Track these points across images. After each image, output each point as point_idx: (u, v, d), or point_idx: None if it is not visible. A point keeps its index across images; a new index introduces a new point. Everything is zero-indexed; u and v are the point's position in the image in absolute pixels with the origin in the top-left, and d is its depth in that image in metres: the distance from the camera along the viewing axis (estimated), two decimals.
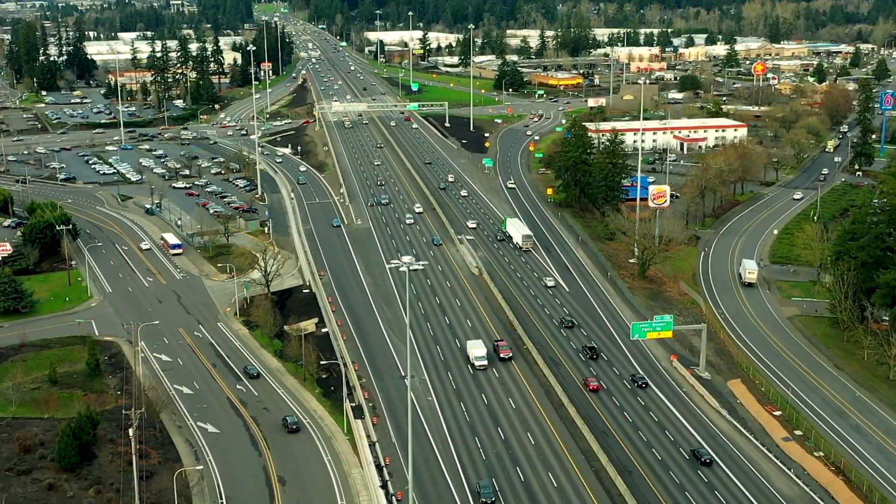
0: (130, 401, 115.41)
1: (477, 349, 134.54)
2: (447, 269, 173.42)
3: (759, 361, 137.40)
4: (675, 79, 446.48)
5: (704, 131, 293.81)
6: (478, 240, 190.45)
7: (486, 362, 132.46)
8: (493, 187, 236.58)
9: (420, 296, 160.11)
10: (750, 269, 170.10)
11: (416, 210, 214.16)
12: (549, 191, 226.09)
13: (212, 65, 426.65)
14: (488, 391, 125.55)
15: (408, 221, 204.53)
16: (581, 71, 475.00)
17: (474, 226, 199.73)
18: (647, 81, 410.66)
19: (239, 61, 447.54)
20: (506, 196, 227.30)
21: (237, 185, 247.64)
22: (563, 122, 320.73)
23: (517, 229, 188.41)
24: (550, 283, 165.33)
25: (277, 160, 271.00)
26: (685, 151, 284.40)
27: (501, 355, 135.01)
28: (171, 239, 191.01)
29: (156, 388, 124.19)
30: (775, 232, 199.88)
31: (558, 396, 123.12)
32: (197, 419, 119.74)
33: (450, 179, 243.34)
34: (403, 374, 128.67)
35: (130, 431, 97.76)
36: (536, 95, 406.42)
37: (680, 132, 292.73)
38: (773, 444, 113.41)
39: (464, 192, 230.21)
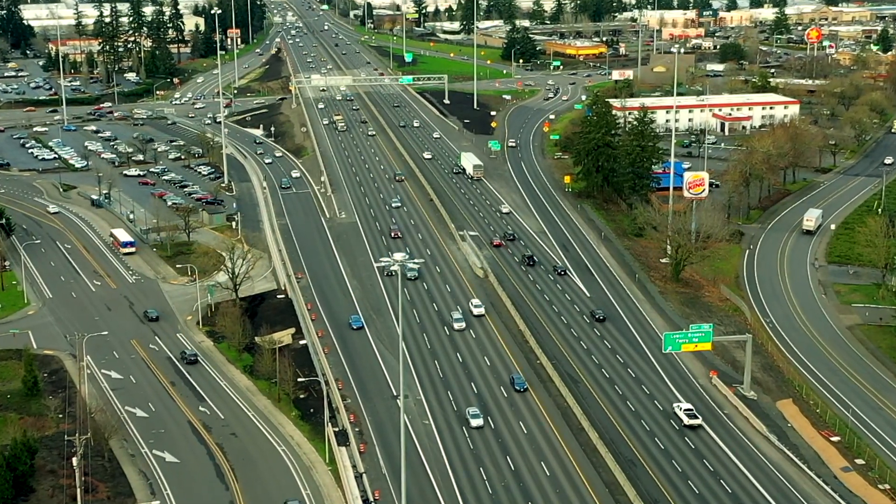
0: (74, 425, 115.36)
1: None
2: (446, 271, 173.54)
3: (814, 378, 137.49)
4: (715, 47, 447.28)
5: (749, 109, 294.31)
6: (482, 239, 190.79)
7: None
8: (499, 174, 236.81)
9: (415, 302, 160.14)
10: (808, 217, 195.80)
11: (475, 309, 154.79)
12: (567, 179, 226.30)
13: (170, 32, 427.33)
14: (496, 414, 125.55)
15: (457, 326, 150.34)
16: (604, 39, 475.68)
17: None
18: (682, 51, 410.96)
19: (202, 28, 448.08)
20: (515, 184, 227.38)
21: (200, 173, 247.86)
22: (583, 98, 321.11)
23: (469, 161, 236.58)
24: (505, 210, 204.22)
25: (268, 161, 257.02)
26: (726, 132, 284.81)
27: None
28: (122, 235, 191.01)
29: (104, 410, 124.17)
30: (833, 227, 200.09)
31: (577, 420, 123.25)
32: (153, 446, 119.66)
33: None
34: (395, 393, 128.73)
35: (74, 461, 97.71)
36: (552, 67, 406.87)
37: (720, 110, 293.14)
38: (831, 475, 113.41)
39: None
